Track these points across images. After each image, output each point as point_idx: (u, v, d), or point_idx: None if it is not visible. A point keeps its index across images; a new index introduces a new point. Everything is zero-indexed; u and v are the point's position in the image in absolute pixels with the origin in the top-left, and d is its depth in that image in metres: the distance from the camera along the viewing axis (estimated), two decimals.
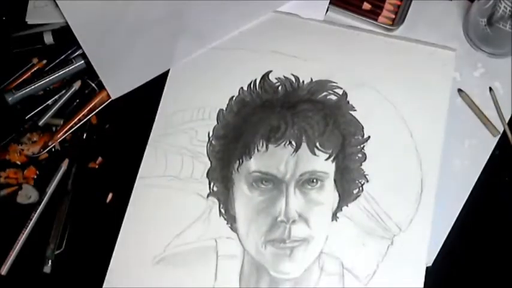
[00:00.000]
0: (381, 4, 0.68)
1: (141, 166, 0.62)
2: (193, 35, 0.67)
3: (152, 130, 0.64)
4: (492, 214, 0.62)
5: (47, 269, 0.61)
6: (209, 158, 0.62)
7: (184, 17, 0.67)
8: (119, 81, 0.66)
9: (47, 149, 0.66)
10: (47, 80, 0.67)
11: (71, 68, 0.67)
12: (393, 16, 0.68)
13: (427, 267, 0.58)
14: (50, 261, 0.61)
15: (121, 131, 0.66)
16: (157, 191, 0.61)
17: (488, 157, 0.63)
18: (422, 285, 0.57)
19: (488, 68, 0.66)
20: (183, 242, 0.60)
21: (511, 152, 0.63)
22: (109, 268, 0.59)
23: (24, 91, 0.66)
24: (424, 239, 0.58)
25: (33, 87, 0.66)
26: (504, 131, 0.64)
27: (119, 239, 0.60)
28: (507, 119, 0.64)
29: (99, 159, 0.65)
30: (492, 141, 0.64)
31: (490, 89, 0.65)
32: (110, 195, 0.64)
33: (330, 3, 0.67)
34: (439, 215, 0.59)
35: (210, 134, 0.63)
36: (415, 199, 0.59)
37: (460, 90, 0.65)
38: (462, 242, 0.60)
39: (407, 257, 0.58)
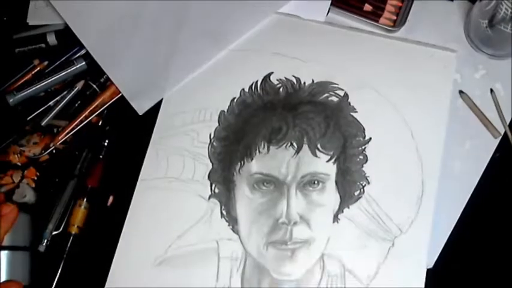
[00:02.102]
0: (382, 5, 0.68)
1: (142, 168, 0.62)
2: (209, 38, 0.65)
3: (153, 132, 0.64)
4: (493, 216, 0.62)
5: (42, 247, 0.62)
6: (210, 160, 0.62)
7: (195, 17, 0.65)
8: (143, 100, 0.65)
9: (48, 150, 0.66)
10: (48, 81, 0.66)
11: (72, 69, 0.67)
12: (394, 17, 0.68)
13: (427, 269, 0.58)
14: (46, 240, 0.62)
15: (122, 132, 0.66)
16: (158, 192, 0.61)
17: (489, 159, 0.63)
18: (423, 287, 0.57)
19: (490, 69, 0.66)
20: (184, 243, 0.60)
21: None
22: (111, 270, 0.59)
23: (25, 92, 0.66)
24: (424, 240, 0.58)
25: (34, 88, 0.66)
26: (505, 133, 0.64)
27: (120, 240, 0.60)
28: (508, 121, 0.64)
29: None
30: (493, 143, 0.63)
31: (491, 90, 0.65)
32: (111, 198, 0.64)
33: (331, 4, 0.67)
34: (440, 216, 0.59)
35: (212, 136, 0.63)
36: (416, 201, 0.59)
37: (461, 92, 0.65)
38: (463, 243, 0.61)
39: (408, 259, 0.58)
